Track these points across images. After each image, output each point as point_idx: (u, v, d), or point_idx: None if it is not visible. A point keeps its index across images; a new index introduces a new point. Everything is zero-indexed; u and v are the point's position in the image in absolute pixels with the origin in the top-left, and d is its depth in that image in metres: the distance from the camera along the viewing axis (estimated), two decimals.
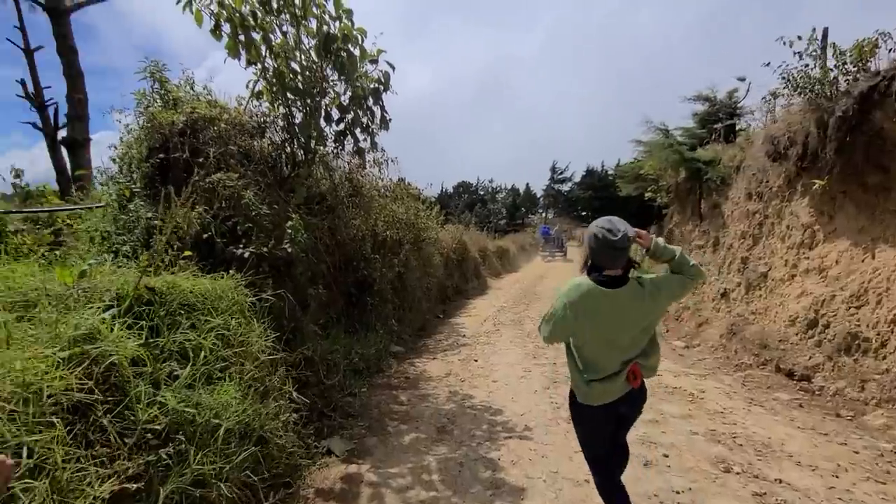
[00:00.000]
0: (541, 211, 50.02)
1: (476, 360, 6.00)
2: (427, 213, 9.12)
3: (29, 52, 11.39)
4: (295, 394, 3.02)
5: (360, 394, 4.63)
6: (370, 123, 5.09)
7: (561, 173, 47.61)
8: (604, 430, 2.23)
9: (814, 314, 5.40)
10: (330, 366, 4.37)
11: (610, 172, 45.25)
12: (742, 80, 11.17)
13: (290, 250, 3.86)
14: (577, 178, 46.97)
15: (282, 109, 4.92)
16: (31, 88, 10.93)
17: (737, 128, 10.95)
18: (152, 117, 3.91)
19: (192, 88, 4.78)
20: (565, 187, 48.03)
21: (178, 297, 2.64)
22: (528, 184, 51.08)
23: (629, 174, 13.24)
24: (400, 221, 7.56)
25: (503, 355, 6.31)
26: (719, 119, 11.69)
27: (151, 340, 2.36)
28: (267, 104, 4.99)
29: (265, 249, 3.68)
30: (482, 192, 48.58)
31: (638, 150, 12.91)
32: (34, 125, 10.74)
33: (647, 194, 11.69)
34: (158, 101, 4.35)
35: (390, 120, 5.08)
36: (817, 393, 4.83)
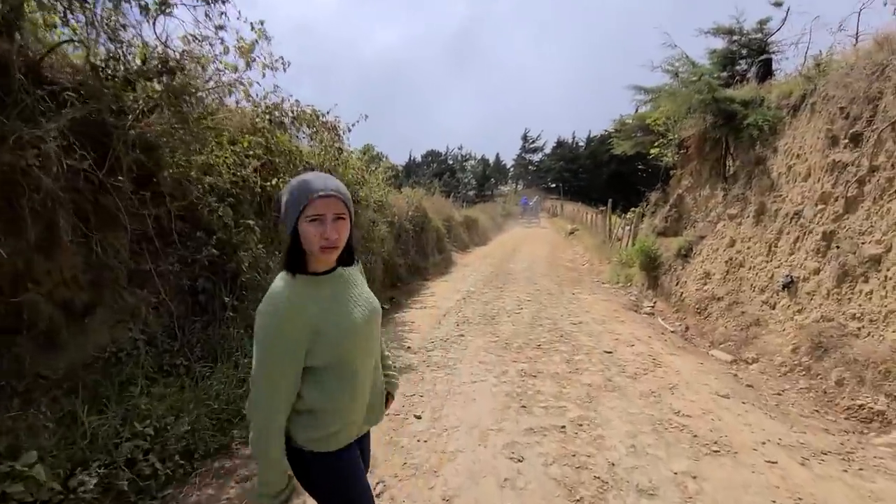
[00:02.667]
0: (511, 182, 47.27)
1: (418, 417, 3.14)
2: (362, 163, 6.03)
3: None
4: None
5: None
6: None
7: (533, 142, 44.69)
8: None
9: None
10: None
11: (580, 143, 42.69)
12: (778, 4, 8.37)
13: None
14: (548, 150, 44.25)
15: None
16: None
17: (773, 67, 8.22)
18: None
19: None
20: (536, 157, 45.23)
21: None
22: (497, 154, 48.08)
23: (629, 128, 10.42)
24: (305, 167, 4.50)
25: (468, 399, 3.47)
26: (744, 57, 8.92)
27: None
28: None
29: None
30: (451, 161, 45.24)
31: (637, 100, 10.06)
32: None
33: (653, 150, 8.94)
34: None
35: None
36: None
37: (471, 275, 10.10)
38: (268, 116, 4.33)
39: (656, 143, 8.83)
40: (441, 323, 5.86)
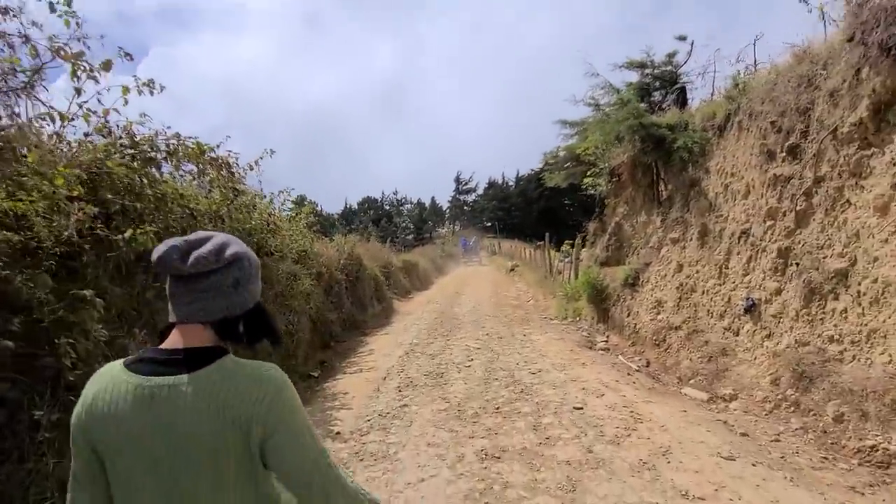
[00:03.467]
0: (448, 223, 47.44)
1: None
2: (271, 207, 5.05)
3: None
4: None
5: None
6: None
7: (466, 184, 45.48)
8: None
9: None
10: None
11: (510, 183, 44.12)
12: (682, 38, 8.75)
13: None
14: (481, 190, 45.22)
15: None
16: None
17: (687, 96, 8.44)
18: None
19: None
20: (470, 198, 45.97)
21: None
22: (433, 197, 48.35)
23: (560, 161, 10.30)
24: (185, 213, 3.47)
25: None
26: (658, 88, 9.16)
27: None
28: None
29: None
30: (388, 207, 44.72)
31: (564, 133, 10.02)
32: None
33: (586, 180, 8.75)
34: None
35: None
36: None
37: (414, 324, 9.13)
38: (131, 151, 3.30)
39: (589, 173, 8.66)
40: (380, 390, 4.82)
